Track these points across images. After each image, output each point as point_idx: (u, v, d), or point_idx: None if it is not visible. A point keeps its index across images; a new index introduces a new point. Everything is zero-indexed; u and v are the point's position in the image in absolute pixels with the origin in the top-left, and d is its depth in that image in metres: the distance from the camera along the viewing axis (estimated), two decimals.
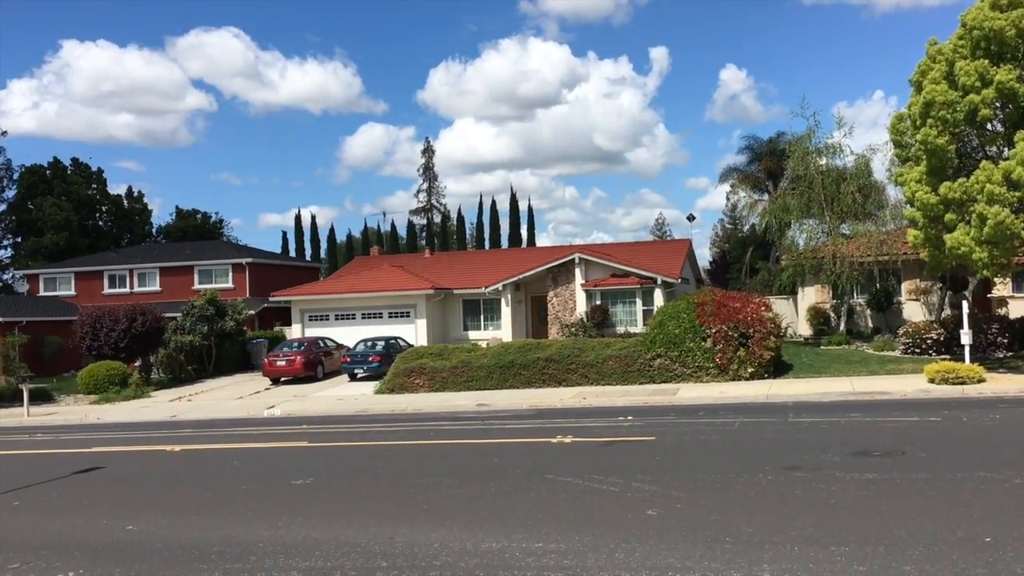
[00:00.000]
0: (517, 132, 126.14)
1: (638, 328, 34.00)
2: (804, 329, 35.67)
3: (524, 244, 72.79)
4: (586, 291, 36.26)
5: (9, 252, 66.69)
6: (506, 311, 38.18)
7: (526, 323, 39.76)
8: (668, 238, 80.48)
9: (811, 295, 35.95)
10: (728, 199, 68.09)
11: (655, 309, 32.33)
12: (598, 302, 35.94)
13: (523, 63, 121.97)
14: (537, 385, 26.54)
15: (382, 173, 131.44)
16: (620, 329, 34.83)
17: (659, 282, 35.28)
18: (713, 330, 25.44)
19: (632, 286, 35.69)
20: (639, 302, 35.62)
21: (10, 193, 65.87)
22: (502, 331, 38.17)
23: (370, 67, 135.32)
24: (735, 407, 20.16)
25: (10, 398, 31.95)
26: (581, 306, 36.23)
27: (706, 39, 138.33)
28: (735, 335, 25.26)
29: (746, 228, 62.04)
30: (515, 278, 37.87)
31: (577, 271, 36.64)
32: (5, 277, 65.51)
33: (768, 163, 50.38)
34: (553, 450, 14.96)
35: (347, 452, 16.68)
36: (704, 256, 75.20)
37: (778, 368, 25.79)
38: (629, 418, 18.82)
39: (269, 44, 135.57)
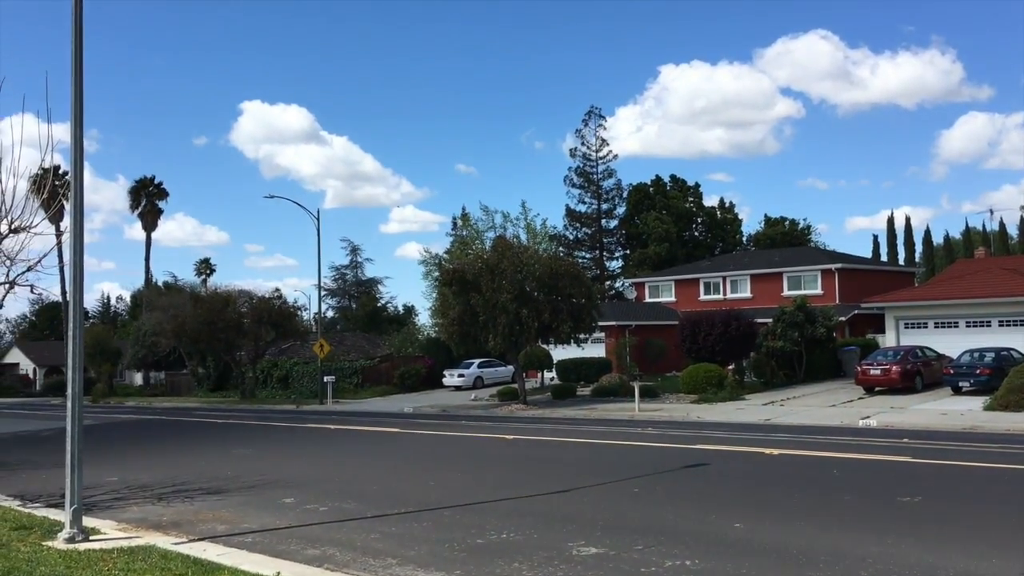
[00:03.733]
0: None
1: None
2: None
3: None
4: None
5: (620, 263, 74.90)
6: None
7: None
8: None
9: None
10: None
11: None
12: None
13: None
14: None
15: (986, 166, 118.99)
16: None
17: None
18: None
19: None
20: None
21: (620, 210, 73.95)
22: None
23: (972, 51, 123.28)
24: None
25: (623, 393, 35.79)
26: None
27: None
28: None
29: None
30: None
31: None
32: (617, 285, 73.69)
33: None
34: None
35: (958, 472, 15.30)
36: None
37: None
38: None
39: (859, 42, 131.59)
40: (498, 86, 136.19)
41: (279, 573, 8.74)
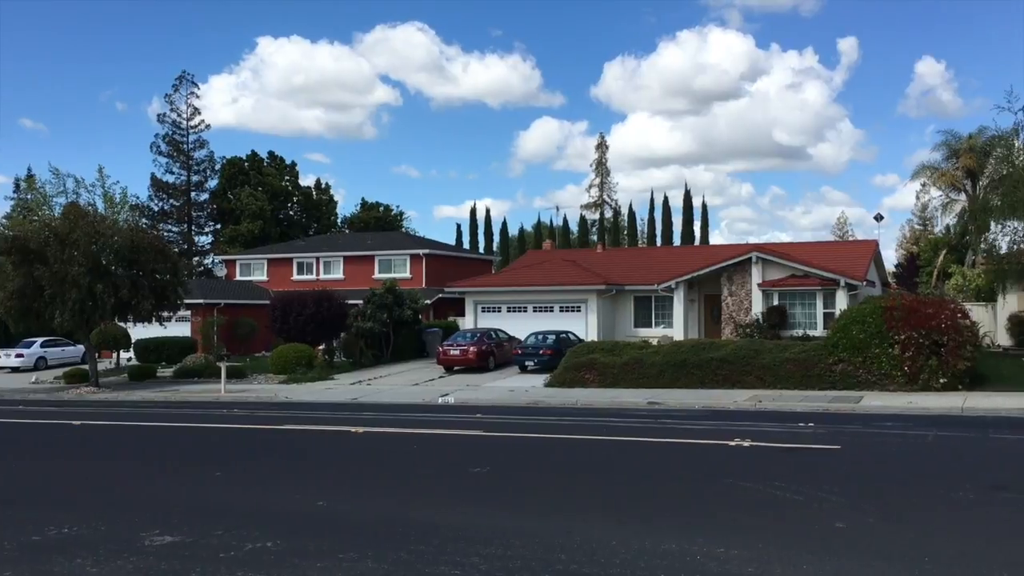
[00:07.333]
0: (692, 126, 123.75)
1: (818, 331, 32.63)
2: (1004, 339, 33.18)
3: (697, 241, 71.57)
4: (763, 291, 35.11)
5: (210, 238, 71.79)
6: (678, 309, 37.56)
7: (699, 322, 38.97)
8: (850, 238, 76.96)
9: (1013, 303, 33.32)
10: (918, 198, 64.15)
11: (837, 312, 30.98)
12: (775, 303, 34.73)
13: (702, 55, 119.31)
14: (710, 386, 25.98)
15: (555, 167, 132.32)
16: (798, 332, 33.51)
17: (842, 284, 33.69)
18: (902, 336, 24.06)
19: (812, 287, 34.25)
20: (819, 304, 34.13)
21: (212, 183, 70.87)
22: (674, 329, 37.57)
23: (548, 61, 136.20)
24: (926, 419, 18.98)
25: (208, 374, 34.40)
26: (757, 306, 35.12)
27: (901, 29, 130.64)
28: (927, 343, 23.80)
29: (938, 229, 58.52)
30: (688, 276, 37.18)
31: (754, 270, 35.54)
32: (206, 262, 70.54)
33: (967, 160, 46.89)
34: (730, 453, 14.58)
35: (521, 443, 16.89)
36: (889, 258, 71.21)
37: (974, 380, 24.06)
38: (810, 425, 18.10)
39: (453, 39, 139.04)
40: (74, 33, 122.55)
41: None
